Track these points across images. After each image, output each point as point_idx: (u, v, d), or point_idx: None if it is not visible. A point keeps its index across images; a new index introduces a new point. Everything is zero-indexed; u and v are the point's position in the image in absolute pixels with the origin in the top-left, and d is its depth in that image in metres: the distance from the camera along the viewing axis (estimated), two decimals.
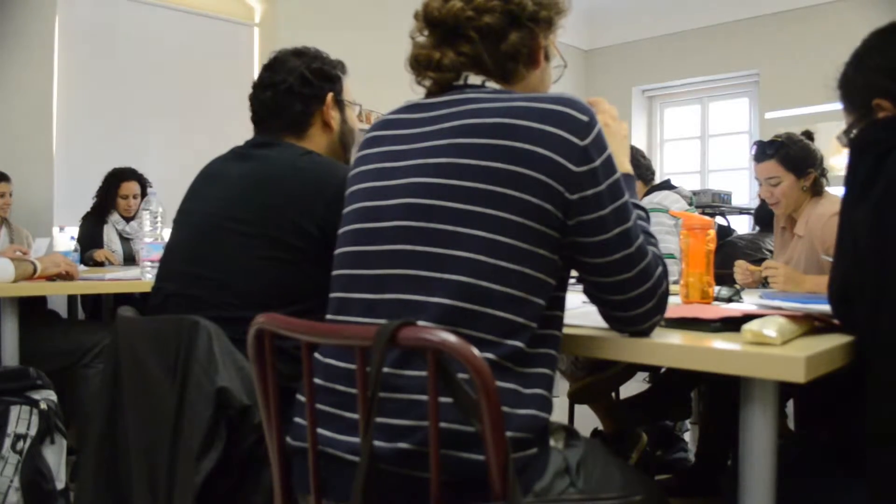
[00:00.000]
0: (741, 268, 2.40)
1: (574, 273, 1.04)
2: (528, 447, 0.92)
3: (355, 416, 0.90)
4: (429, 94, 1.09)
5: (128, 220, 3.93)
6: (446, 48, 1.05)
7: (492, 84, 1.06)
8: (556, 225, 0.95)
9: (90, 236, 3.80)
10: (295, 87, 1.52)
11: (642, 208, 1.14)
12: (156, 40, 4.40)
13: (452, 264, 0.93)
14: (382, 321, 0.78)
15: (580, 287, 1.09)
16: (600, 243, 0.98)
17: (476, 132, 0.96)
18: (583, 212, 0.96)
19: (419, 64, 1.07)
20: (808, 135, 2.51)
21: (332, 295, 1.05)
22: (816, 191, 2.42)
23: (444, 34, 1.06)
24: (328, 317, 1.05)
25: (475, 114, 0.98)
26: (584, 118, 0.96)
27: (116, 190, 3.87)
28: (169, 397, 1.18)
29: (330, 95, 1.56)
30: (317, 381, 0.98)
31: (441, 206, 0.95)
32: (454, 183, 0.95)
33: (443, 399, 0.76)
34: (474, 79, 1.06)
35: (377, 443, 0.88)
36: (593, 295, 1.06)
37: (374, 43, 4.93)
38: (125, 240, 3.95)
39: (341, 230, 1.07)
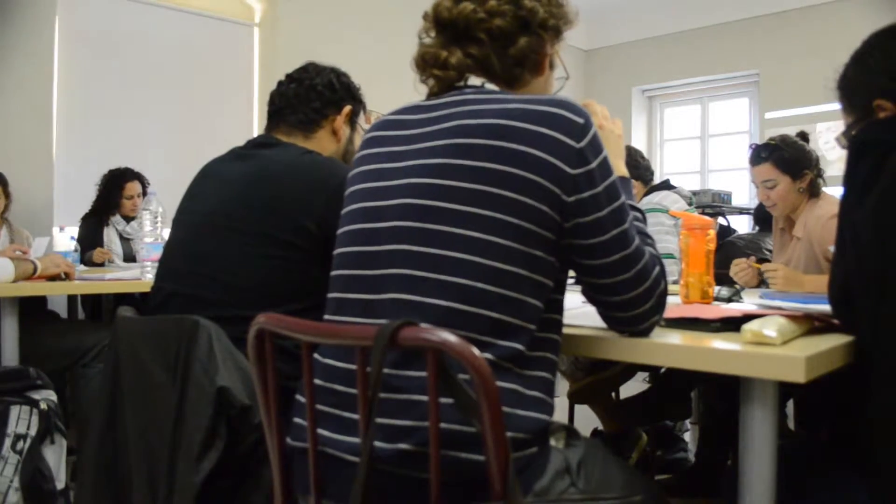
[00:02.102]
0: (739, 264, 2.38)
1: (572, 274, 1.04)
2: (528, 447, 0.92)
3: (354, 416, 0.90)
4: (430, 96, 1.09)
5: (128, 220, 3.93)
6: (454, 48, 1.06)
7: (491, 86, 1.06)
8: (552, 227, 0.95)
9: (91, 237, 3.80)
10: (318, 87, 1.58)
11: (639, 210, 1.14)
12: (156, 40, 4.39)
13: (449, 265, 0.93)
14: (381, 321, 0.78)
15: (579, 287, 1.09)
16: (598, 245, 0.98)
17: (472, 133, 0.96)
18: (580, 214, 0.96)
19: (425, 62, 1.08)
20: (803, 136, 2.51)
21: (331, 295, 1.05)
22: (814, 192, 2.42)
23: (454, 35, 1.06)
24: (326, 317, 1.05)
25: (472, 115, 0.98)
26: (580, 120, 0.96)
27: (121, 190, 3.87)
28: (169, 397, 1.18)
29: (348, 108, 1.61)
30: (316, 381, 0.98)
31: (438, 207, 0.95)
32: (451, 184, 0.95)
33: (443, 399, 0.76)
34: (475, 80, 1.06)
35: (377, 443, 0.88)
36: (592, 296, 1.06)
37: (374, 43, 4.93)
38: (126, 240, 3.94)
39: (340, 230, 1.07)
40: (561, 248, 0.97)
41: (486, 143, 0.95)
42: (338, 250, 1.06)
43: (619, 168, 1.19)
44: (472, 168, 0.94)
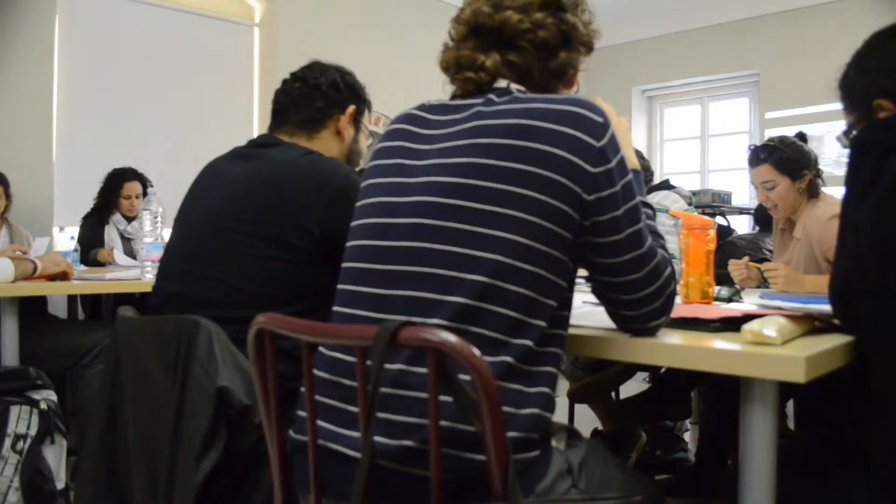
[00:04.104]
0: (735, 265, 2.40)
1: (580, 272, 1.05)
2: (532, 448, 0.92)
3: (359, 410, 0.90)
4: (455, 96, 1.10)
5: (129, 219, 3.93)
6: (493, 52, 1.06)
7: (516, 86, 1.06)
8: (570, 226, 0.96)
9: (91, 236, 3.80)
10: (323, 86, 1.58)
11: (650, 206, 1.14)
12: (156, 40, 4.39)
13: (469, 264, 0.93)
14: (391, 317, 0.78)
15: (580, 287, 1.09)
16: (612, 244, 0.99)
17: (494, 132, 0.97)
18: (598, 212, 0.97)
19: (460, 65, 1.08)
20: (802, 136, 2.51)
21: (341, 287, 1.05)
22: (813, 192, 2.42)
23: (493, 41, 1.07)
24: (335, 308, 1.05)
25: (495, 115, 0.99)
26: (599, 119, 0.98)
27: (119, 190, 3.88)
28: (169, 397, 1.18)
29: (352, 108, 1.61)
30: (322, 374, 0.99)
31: (460, 206, 0.95)
32: (472, 182, 0.96)
33: (448, 398, 0.76)
34: (501, 82, 1.06)
35: (382, 440, 0.88)
36: (602, 294, 1.06)
37: (374, 43, 4.93)
38: (126, 240, 3.95)
39: (355, 222, 1.07)
40: (576, 246, 0.98)
41: (508, 143, 0.96)
42: (351, 242, 1.07)
43: (631, 159, 1.20)
44: (494, 167, 0.95)
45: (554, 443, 0.99)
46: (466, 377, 0.75)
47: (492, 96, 1.03)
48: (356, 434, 0.92)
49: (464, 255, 0.93)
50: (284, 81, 1.62)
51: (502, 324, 0.92)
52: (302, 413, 1.00)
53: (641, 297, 1.02)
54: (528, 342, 0.93)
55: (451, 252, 0.94)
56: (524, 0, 1.06)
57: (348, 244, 1.07)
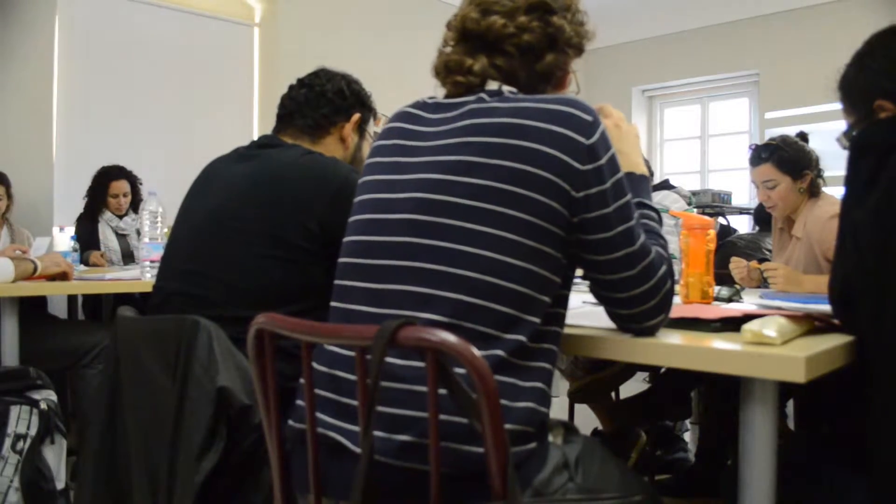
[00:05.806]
0: (738, 264, 2.40)
1: (579, 272, 1.05)
2: (528, 441, 0.93)
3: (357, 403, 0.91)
4: (448, 96, 1.11)
5: (120, 217, 3.94)
6: (480, 56, 1.07)
7: (507, 88, 1.07)
8: (561, 223, 0.97)
9: (86, 236, 3.80)
10: (328, 93, 1.59)
11: (655, 210, 1.15)
12: (156, 40, 4.39)
13: (462, 260, 0.94)
14: (386, 311, 0.78)
15: (580, 286, 1.09)
16: (602, 241, 0.99)
17: (485, 131, 0.99)
18: (587, 209, 0.97)
19: (448, 69, 1.09)
20: (803, 136, 2.51)
21: (337, 282, 1.06)
22: (813, 192, 2.42)
23: (480, 45, 1.08)
24: (332, 303, 1.06)
25: (486, 114, 1.01)
26: (589, 118, 0.98)
27: (106, 189, 3.88)
28: (169, 397, 1.18)
29: (356, 116, 1.61)
30: (321, 368, 1.00)
31: (452, 202, 0.96)
32: (464, 180, 0.97)
33: (445, 391, 0.77)
34: (492, 84, 1.07)
35: (381, 435, 0.89)
36: (598, 293, 1.07)
37: (373, 43, 4.94)
38: (121, 236, 3.95)
39: (351, 219, 1.09)
40: (568, 243, 0.99)
41: (498, 142, 0.97)
42: (347, 238, 1.08)
43: (639, 165, 1.22)
44: (486, 165, 0.96)
45: (551, 437, 1.00)
46: (461, 370, 0.75)
47: (483, 95, 1.04)
48: (354, 427, 0.92)
49: (456, 250, 0.94)
50: (290, 87, 1.62)
51: (496, 319, 0.93)
52: (300, 403, 1.00)
53: (636, 294, 1.03)
54: (522, 337, 0.94)
55: (444, 248, 0.95)
56: (511, 5, 1.07)
57: (344, 240, 1.08)
